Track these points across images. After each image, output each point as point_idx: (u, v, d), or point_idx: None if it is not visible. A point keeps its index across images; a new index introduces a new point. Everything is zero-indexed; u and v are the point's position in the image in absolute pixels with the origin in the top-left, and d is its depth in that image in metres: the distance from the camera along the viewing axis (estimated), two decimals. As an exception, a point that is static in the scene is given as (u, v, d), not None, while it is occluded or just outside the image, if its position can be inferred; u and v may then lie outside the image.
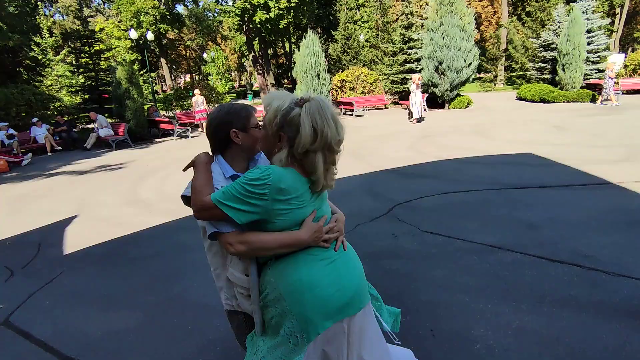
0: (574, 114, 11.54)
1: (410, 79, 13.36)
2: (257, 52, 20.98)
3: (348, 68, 20.95)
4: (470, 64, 15.49)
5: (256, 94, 33.20)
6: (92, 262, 3.94)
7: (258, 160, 1.64)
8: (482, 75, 28.57)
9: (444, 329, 2.48)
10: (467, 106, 15.97)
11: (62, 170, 9.12)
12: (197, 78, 44.91)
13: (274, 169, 1.31)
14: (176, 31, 32.64)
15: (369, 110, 17.23)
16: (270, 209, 1.30)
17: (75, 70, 18.25)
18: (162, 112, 17.34)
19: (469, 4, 17.64)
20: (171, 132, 13.86)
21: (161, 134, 14.30)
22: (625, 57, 20.03)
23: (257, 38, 20.58)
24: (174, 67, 41.36)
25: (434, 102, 16.27)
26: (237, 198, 1.28)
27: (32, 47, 17.27)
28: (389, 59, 20.10)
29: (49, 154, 11.78)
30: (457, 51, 15.08)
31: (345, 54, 23.96)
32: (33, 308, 3.15)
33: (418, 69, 17.46)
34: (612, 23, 25.50)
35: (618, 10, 26.56)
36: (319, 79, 15.06)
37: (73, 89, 17.60)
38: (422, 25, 18.33)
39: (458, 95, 16.24)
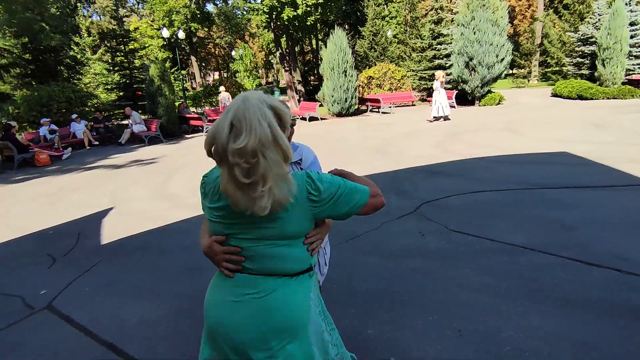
0: (615, 111, 10.95)
1: (438, 76, 12.82)
2: (284, 50, 21.10)
3: (375, 64, 20.76)
4: (502, 59, 14.99)
5: (283, 91, 33.47)
6: (126, 253, 4.12)
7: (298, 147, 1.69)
8: (514, 71, 27.57)
9: (472, 329, 2.44)
10: (498, 103, 15.48)
11: (99, 164, 9.56)
12: (225, 75, 45.75)
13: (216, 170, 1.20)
14: (206, 29, 33.31)
15: (395, 107, 17.02)
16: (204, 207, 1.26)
17: (111, 68, 18.99)
18: (192, 109, 17.79)
19: (502, -3, 17.06)
20: (200, 128, 14.21)
21: (191, 130, 14.69)
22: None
23: (284, 35, 20.70)
24: (203, 64, 42.27)
25: (464, 98, 15.88)
26: None
27: (72, 46, 18.12)
28: (417, 55, 19.75)
29: (87, 148, 12.36)
30: (488, 46, 14.62)
31: (372, 50, 23.73)
32: (73, 294, 3.33)
33: (447, 65, 17.07)
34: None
35: (666, 0, 24.92)
36: (345, 75, 14.99)
37: (109, 87, 18.36)
38: (452, 20, 17.89)
39: (489, 91, 15.77)
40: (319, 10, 17.82)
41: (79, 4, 26.02)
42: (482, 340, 2.33)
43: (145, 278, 3.52)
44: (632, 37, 15.79)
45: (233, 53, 38.83)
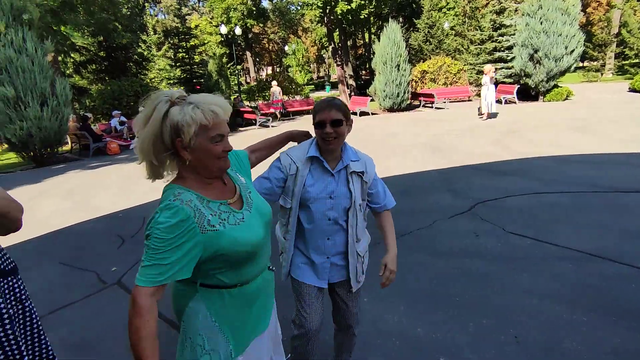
0: None
1: (484, 71, 11.88)
2: (336, 44, 21.09)
3: (430, 58, 20.09)
4: (572, 51, 13.83)
5: (334, 86, 33.53)
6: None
7: (348, 157, 1.66)
8: (586, 64, 25.32)
9: (530, 337, 2.32)
10: (566, 98, 14.33)
11: (161, 154, 10.22)
12: (277, 70, 46.70)
13: None
14: (261, 25, 34.20)
15: (450, 102, 16.38)
16: None
17: (173, 64, 20.18)
18: (246, 103, 18.40)
19: (575, -16, 15.65)
20: (253, 122, 14.68)
21: (245, 123, 15.22)
22: None
23: (337, 29, 20.67)
24: (257, 59, 43.48)
25: (526, 94, 14.90)
26: None
27: (140, 44, 19.46)
28: (476, 47, 18.82)
29: None
30: (557, 37, 13.56)
31: (427, 43, 22.97)
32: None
33: (509, 58, 16.10)
34: None
35: None
36: (398, 69, 14.68)
37: (171, 81, 19.52)
38: (517, 10, 16.79)
39: (555, 86, 14.64)
40: (373, 3, 17.57)
41: (146, 4, 27.86)
42: (541, 350, 2.21)
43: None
44: None
45: (286, 48, 39.50)
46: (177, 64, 19.19)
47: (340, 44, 21.12)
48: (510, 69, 15.96)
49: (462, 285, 2.94)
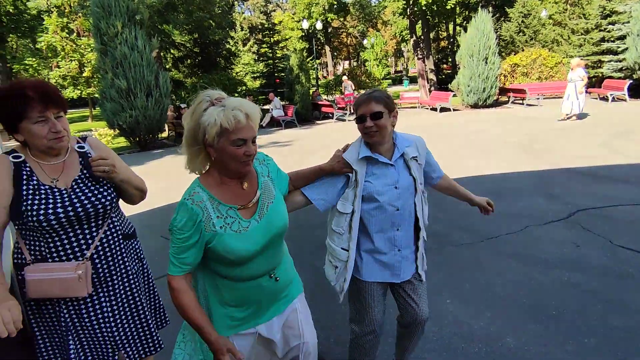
0: None
1: (575, 65, 10.21)
2: (418, 36, 20.37)
3: (522, 50, 18.45)
4: None
5: (412, 80, 32.49)
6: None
7: (402, 145, 1.65)
8: None
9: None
10: (693, 96, 12.19)
11: (245, 143, 10.86)
12: (354, 64, 46.59)
13: None
14: (341, 19, 34.34)
15: (544, 98, 14.88)
16: None
17: (257, 58, 21.25)
18: (324, 97, 18.71)
19: None
20: (330, 115, 14.88)
21: (322, 116, 15.51)
22: None
23: (419, 21, 19.94)
24: (335, 54, 43.81)
25: (639, 90, 12.97)
26: None
27: (228, 40, 20.79)
28: (579, 38, 16.80)
29: None
30: (686, 24, 11.56)
31: (520, 34, 21.08)
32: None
33: (620, 50, 14.13)
34: None
35: None
36: (486, 63, 13.73)
37: (255, 75, 20.59)
38: (634, -7, 14.61)
39: (680, 81, 12.52)
40: (462, -8, 16.62)
41: (235, 2, 29.66)
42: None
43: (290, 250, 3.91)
44: None
45: (364, 42, 39.19)
46: (261, 59, 20.17)
47: (422, 37, 20.36)
48: (621, 61, 14.00)
49: (563, 298, 2.70)
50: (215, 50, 17.97)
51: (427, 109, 15.56)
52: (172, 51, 17.38)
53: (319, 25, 20.40)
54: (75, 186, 1.44)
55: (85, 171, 1.48)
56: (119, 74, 10.11)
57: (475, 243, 3.65)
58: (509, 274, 3.07)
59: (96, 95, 14.39)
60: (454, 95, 15.14)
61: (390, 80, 36.16)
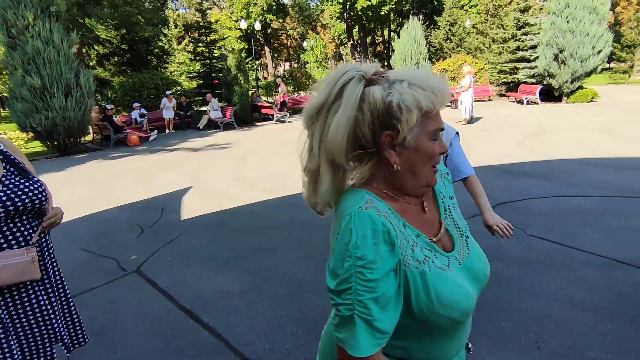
0: None
1: (465, 72, 11.00)
2: (355, 40, 20.96)
3: (450, 56, 19.77)
4: (599, 51, 13.41)
5: (351, 83, 33.23)
6: (204, 228, 4.44)
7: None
8: (613, 65, 24.51)
9: (552, 343, 2.26)
10: (590, 100, 13.92)
11: (180, 146, 10.37)
12: (295, 66, 46.73)
13: None
14: (280, 21, 34.24)
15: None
16: None
17: (193, 58, 20.39)
18: (264, 98, 18.48)
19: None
20: (270, 117, 14.72)
21: (262, 118, 15.29)
22: None
23: (356, 26, 20.54)
24: (275, 55, 43.61)
25: (549, 95, 14.52)
26: None
27: (161, 37, 19.71)
28: (498, 46, 18.41)
29: (172, 131, 13.41)
30: (583, 37, 13.16)
31: (448, 41, 22.60)
32: (157, 262, 3.67)
33: (532, 58, 15.70)
34: None
35: None
36: (418, 67, 14.49)
37: (190, 75, 19.73)
38: (542, 8, 16.35)
39: (580, 87, 14.22)
40: (394, -1, 17.40)
41: (168, -2, 28.30)
42: (562, 357, 2.15)
43: (220, 253, 3.77)
44: None
45: (304, 44, 39.49)
46: (197, 58, 19.38)
47: (359, 41, 20.98)
48: (533, 68, 15.57)
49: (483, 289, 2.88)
50: (145, 48, 16.94)
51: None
52: (96, 48, 16.06)
53: (257, 26, 20.13)
54: (8, 182, 1.46)
55: (10, 168, 1.51)
56: (31, 70, 9.09)
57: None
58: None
59: (5, 94, 12.83)
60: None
61: (330, 83, 36.75)
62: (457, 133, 2.02)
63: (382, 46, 32.92)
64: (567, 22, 13.30)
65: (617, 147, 6.79)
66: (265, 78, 42.11)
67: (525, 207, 4.41)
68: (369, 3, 16.43)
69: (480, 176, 5.99)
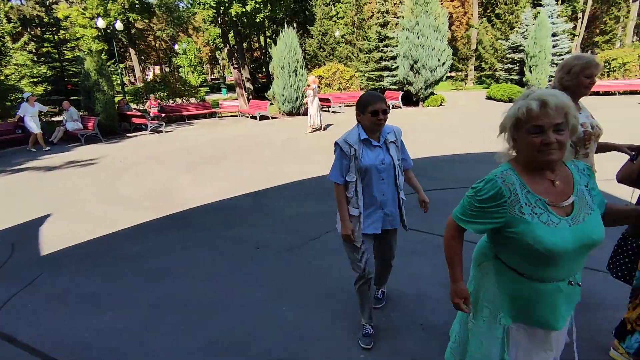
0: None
1: (310, 81, 11.31)
2: (232, 46, 20.61)
3: (324, 64, 21.00)
4: (443, 63, 15.93)
5: (230, 88, 32.62)
6: (74, 262, 3.83)
7: (385, 132, 2.26)
8: (453, 74, 29.35)
9: (433, 322, 2.62)
10: (440, 104, 16.43)
11: (29, 165, 8.69)
12: (167, 70, 43.58)
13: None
14: (146, 21, 31.49)
15: (345, 106, 17.39)
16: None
17: (37, 59, 17.28)
18: (133, 106, 16.77)
19: (441, 4, 18.11)
20: (144, 127, 13.44)
21: (133, 128, 13.85)
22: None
23: (232, 31, 20.21)
24: (142, 57, 39.90)
25: (409, 99, 16.65)
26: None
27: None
28: (365, 56, 20.31)
29: (45, 146, 10.82)
30: (431, 50, 15.46)
31: (321, 49, 23.98)
32: (15, 310, 3.04)
33: (393, 67, 17.76)
34: (575, 27, 26.86)
35: (580, 15, 27.99)
36: (296, 74, 15.03)
37: (35, 79, 16.67)
38: (397, 24, 18.62)
39: (432, 93, 16.68)
40: (268, 7, 17.65)
41: (-5, -14, 23.32)
42: (443, 332, 2.51)
43: (100, 287, 3.31)
44: (554, 46, 17.57)
45: (176, 47, 37.09)
46: (43, 59, 16.50)
47: (235, 46, 20.69)
48: (395, 77, 17.63)
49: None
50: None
51: (248, 117, 15.93)
52: None
53: (119, 25, 18.12)
54: None
55: None
56: None
57: (302, 245, 3.91)
58: (335, 267, 3.41)
59: None
60: (271, 104, 15.99)
61: (207, 88, 35.36)
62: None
63: (260, 52, 33.10)
64: (418, 37, 15.46)
65: (463, 144, 8.18)
66: (132, 83, 38.27)
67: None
68: (244, 9, 16.33)
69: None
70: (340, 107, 16.64)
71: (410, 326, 2.60)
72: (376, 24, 19.54)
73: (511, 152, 1.39)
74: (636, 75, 17.34)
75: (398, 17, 18.83)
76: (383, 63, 18.64)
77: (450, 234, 1.49)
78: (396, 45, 17.54)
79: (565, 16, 23.41)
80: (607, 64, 16.85)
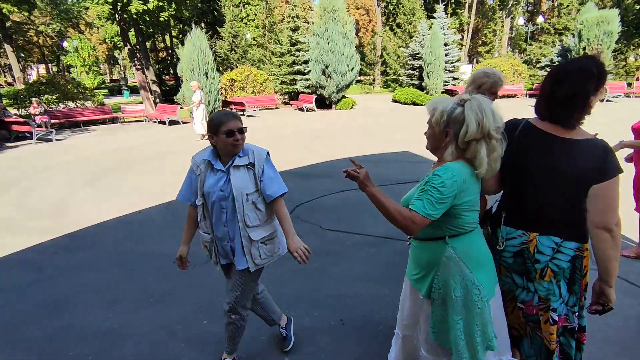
0: (438, 116, 13.48)
1: (194, 87, 10.46)
2: (133, 45, 19.06)
3: (237, 67, 20.59)
4: (352, 68, 16.76)
5: (134, 91, 30.09)
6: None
7: (246, 151, 2.00)
8: (362, 78, 31.02)
9: (353, 317, 2.76)
10: (351, 107, 17.24)
11: None
12: (55, 69, 38.59)
13: (452, 167, 1.49)
14: (25, 13, 27.47)
15: (260, 110, 17.27)
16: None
17: None
18: (14, 111, 14.54)
19: (348, 12, 19.08)
20: (28, 135, 11.73)
21: (14, 137, 12.01)
22: (472, 67, 24.10)
23: (133, 29, 18.69)
24: (22, 55, 34.70)
25: (322, 103, 17.17)
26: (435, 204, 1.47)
27: None
28: (278, 59, 20.39)
29: None
30: (341, 56, 16.15)
31: (233, 52, 23.44)
32: None
33: (306, 71, 18.14)
34: (462, 38, 30.32)
35: (466, 27, 31.72)
36: (207, 77, 14.48)
37: None
38: (308, 29, 19.07)
39: (343, 97, 17.43)
40: (173, 6, 16.72)
41: None
42: (362, 326, 2.66)
43: (-23, 330, 2.82)
44: (446, 54, 19.63)
45: (65, 44, 33.01)
46: None
47: (137, 46, 19.19)
48: (307, 80, 18.03)
49: (295, 285, 3.22)
50: None
51: (156, 122, 14.89)
52: None
53: (-11, 18, 15.53)
54: None
55: None
56: None
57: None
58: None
59: None
60: (182, 108, 15.17)
61: (106, 90, 32.18)
62: (268, 153, 2.11)
63: (166, 52, 31.12)
64: (328, 43, 16.03)
65: (373, 145, 8.71)
66: (10, 84, 33.16)
67: (318, 204, 5.13)
68: (145, 7, 15.21)
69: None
70: (255, 110, 16.47)
71: (331, 322, 2.70)
72: (287, 28, 19.76)
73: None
74: (511, 81, 20.27)
75: (308, 23, 19.29)
76: (296, 67, 18.92)
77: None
78: (307, 50, 17.94)
79: (454, 28, 26.31)
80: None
